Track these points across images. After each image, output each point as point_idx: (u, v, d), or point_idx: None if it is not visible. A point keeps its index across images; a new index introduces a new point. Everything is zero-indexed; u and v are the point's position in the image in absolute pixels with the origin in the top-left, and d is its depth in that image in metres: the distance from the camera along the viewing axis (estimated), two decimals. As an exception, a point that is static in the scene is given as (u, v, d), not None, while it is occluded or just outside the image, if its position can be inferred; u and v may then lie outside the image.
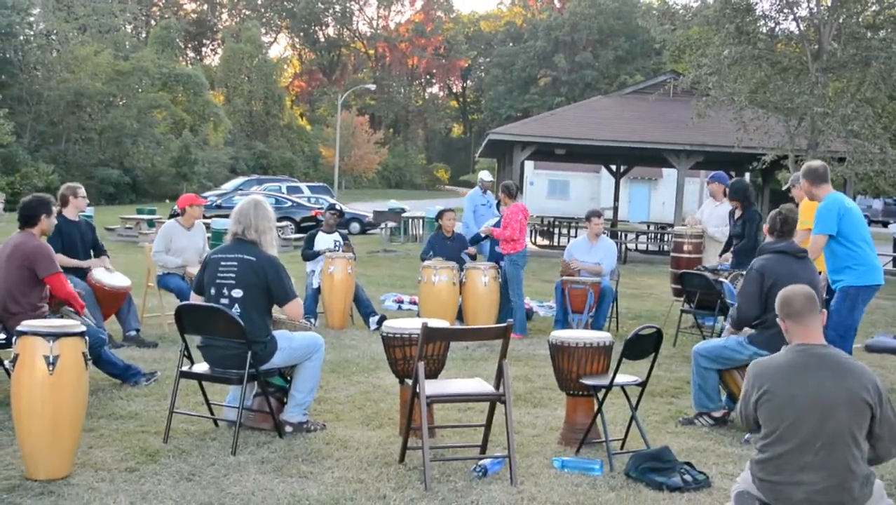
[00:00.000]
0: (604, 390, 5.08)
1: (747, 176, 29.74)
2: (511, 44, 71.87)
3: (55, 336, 4.41)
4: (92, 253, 7.97)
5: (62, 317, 5.91)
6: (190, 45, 73.66)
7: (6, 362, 5.23)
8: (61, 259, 7.27)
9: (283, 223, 22.78)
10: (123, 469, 4.59)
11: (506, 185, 9.70)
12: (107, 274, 7.77)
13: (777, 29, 17.19)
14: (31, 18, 42.66)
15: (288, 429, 5.30)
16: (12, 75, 39.36)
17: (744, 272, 6.07)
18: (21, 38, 40.51)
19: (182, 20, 67.86)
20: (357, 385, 6.80)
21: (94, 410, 5.57)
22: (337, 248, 9.92)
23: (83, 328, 4.63)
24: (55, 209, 6.28)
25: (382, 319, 9.20)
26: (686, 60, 19.33)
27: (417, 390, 4.64)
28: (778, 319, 3.69)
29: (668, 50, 23.67)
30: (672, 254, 10.96)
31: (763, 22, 16.88)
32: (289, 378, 5.48)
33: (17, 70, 39.56)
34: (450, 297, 9.35)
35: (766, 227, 6.00)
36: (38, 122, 40.05)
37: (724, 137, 19.20)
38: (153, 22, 64.65)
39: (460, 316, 9.56)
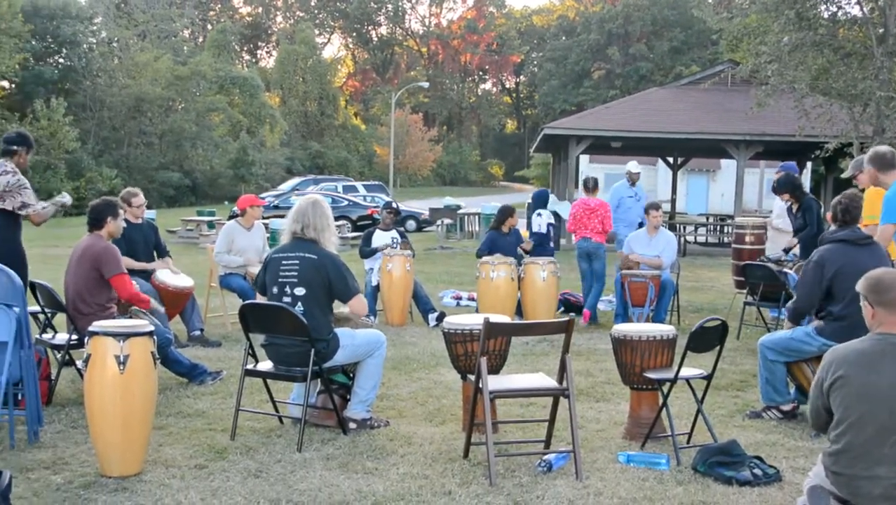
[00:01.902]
0: (668, 384, 5.02)
1: (809, 165, 29.16)
2: (564, 38, 71.28)
3: (125, 336, 4.51)
4: (155, 254, 8.16)
5: (131, 317, 6.05)
6: (245, 48, 74.74)
7: (79, 362, 5.38)
8: (126, 262, 7.46)
9: (340, 222, 22.97)
10: (193, 466, 4.68)
11: (584, 178, 10.05)
12: (170, 275, 7.94)
13: (839, 13, 16.75)
14: (94, 27, 43.82)
15: (352, 425, 5.34)
16: (76, 83, 40.49)
17: (808, 262, 5.93)
18: (84, 46, 41.66)
19: (237, 23, 68.89)
20: (419, 382, 6.83)
21: (163, 409, 5.69)
22: (395, 246, 9.95)
23: (151, 328, 4.73)
24: (122, 212, 6.44)
25: (442, 315, 9.23)
26: (744, 49, 18.92)
27: (480, 386, 4.63)
28: (864, 303, 3.55)
29: (725, 39, 23.18)
30: (734, 245, 10.80)
31: (824, 7, 16.47)
32: (351, 375, 5.52)
33: (80, 77, 40.68)
34: (508, 292, 9.31)
35: (828, 215, 5.86)
36: (101, 128, 41.13)
37: (784, 126, 18.78)
38: (209, 26, 65.73)
39: (519, 311, 9.55)
